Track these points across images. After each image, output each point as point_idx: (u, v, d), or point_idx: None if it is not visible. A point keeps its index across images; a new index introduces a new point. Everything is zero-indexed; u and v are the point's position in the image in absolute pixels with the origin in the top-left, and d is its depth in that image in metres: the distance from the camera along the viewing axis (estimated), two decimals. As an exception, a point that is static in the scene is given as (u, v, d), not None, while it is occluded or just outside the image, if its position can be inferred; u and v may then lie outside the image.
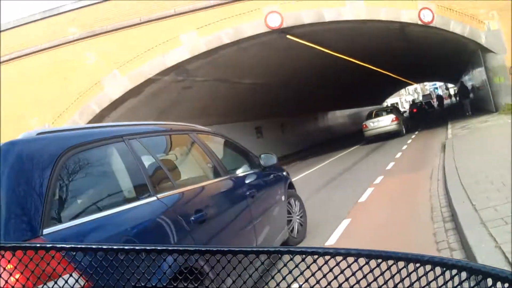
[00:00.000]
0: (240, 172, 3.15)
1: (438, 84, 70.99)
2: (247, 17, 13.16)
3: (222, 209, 2.47)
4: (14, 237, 1.22)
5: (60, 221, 1.41)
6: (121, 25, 12.81)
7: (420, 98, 58.45)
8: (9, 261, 0.92)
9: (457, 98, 32.87)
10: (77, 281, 0.93)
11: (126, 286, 0.89)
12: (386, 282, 0.79)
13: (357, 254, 0.80)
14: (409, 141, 15.30)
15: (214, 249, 0.89)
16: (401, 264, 0.78)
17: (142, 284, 0.91)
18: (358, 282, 0.82)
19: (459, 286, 0.73)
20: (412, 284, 0.78)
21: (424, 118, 27.04)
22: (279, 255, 0.85)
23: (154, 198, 1.88)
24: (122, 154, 1.88)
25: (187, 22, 12.92)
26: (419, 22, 13.76)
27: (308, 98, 24.35)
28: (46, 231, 1.32)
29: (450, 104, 43.36)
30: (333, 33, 15.13)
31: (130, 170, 1.88)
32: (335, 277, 0.84)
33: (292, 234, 3.72)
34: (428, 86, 79.59)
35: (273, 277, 0.85)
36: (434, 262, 0.76)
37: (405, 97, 75.16)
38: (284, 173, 4.05)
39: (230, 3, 13.16)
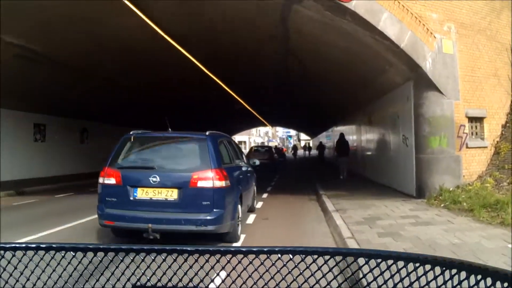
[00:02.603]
0: (242, 163, 12.64)
1: (292, 132, 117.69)
2: None
3: (247, 176, 12.64)
4: (214, 165, 9.06)
5: (223, 163, 9.65)
6: None
7: (267, 142, 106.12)
8: (9, 262, 1.66)
9: (310, 153, 72.97)
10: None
11: (126, 285, 1.54)
12: (385, 282, 1.36)
13: (357, 253, 1.37)
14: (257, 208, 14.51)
15: (213, 249, 1.52)
16: (400, 263, 1.34)
17: (142, 284, 1.57)
18: (357, 282, 1.43)
19: (458, 286, 1.24)
20: (411, 283, 1.32)
21: (283, 163, 50.35)
22: (279, 255, 1.47)
23: (245, 168, 12.66)
24: (226, 145, 11.31)
25: None
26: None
27: (123, 98, 28.23)
28: (223, 166, 9.41)
29: (303, 156, 74.63)
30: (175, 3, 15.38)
31: (229, 151, 11.32)
32: (335, 277, 1.44)
33: (253, 205, 13.83)
34: (281, 133, 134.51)
35: (273, 277, 1.47)
36: (433, 261, 1.30)
37: (254, 138, 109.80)
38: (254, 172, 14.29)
39: None
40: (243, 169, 12.20)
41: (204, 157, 9.35)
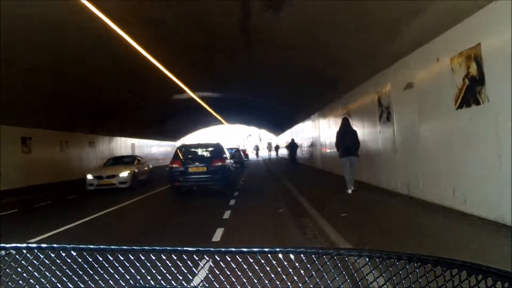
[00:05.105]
0: (228, 157, 23.00)
1: (253, 131, 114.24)
2: None
3: (232, 164, 23.43)
4: (220, 157, 20.08)
5: (223, 156, 20.48)
6: None
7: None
8: (9, 262, 1.68)
9: (278, 153, 64.04)
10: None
11: (127, 286, 1.55)
12: (386, 282, 1.38)
13: (358, 254, 1.39)
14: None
15: (214, 249, 1.53)
16: (401, 263, 1.37)
17: (143, 285, 1.57)
18: (359, 282, 1.43)
19: (459, 286, 1.27)
20: (412, 283, 1.35)
21: (246, 162, 56.49)
22: (280, 255, 1.47)
23: (230, 161, 22.35)
24: (223, 147, 22.48)
25: None
26: None
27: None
28: (223, 157, 20.46)
29: (267, 158, 66.12)
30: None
31: (224, 150, 21.89)
32: (336, 277, 1.45)
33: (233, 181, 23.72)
34: (240, 133, 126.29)
35: (274, 277, 1.46)
36: (434, 261, 1.32)
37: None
38: (234, 163, 25.51)
39: None
40: (230, 160, 22.50)
41: (217, 153, 20.22)
